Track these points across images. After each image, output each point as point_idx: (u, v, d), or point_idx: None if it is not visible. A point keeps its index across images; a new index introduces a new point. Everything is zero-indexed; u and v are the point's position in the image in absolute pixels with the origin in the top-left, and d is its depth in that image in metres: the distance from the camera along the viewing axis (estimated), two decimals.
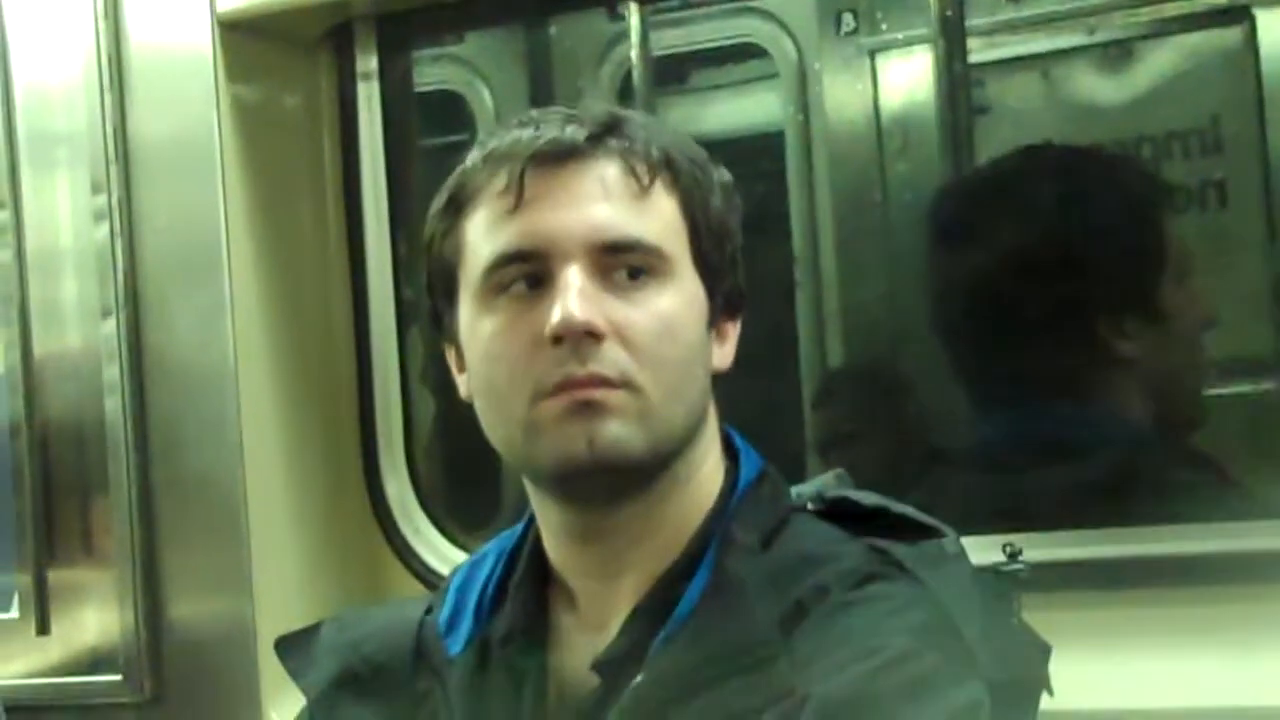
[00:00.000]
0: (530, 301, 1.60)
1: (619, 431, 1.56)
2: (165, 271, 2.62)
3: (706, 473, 1.68)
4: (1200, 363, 2.32)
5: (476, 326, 1.64)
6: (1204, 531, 2.14)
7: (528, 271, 1.61)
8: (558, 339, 1.56)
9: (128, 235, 2.63)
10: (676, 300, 1.61)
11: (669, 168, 1.64)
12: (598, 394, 1.56)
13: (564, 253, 1.59)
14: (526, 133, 1.63)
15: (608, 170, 1.61)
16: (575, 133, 1.62)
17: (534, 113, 1.68)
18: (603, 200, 1.60)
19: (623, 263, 1.60)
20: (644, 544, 1.65)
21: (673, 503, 1.65)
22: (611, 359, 1.57)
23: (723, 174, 1.71)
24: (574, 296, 1.56)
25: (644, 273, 1.60)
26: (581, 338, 1.56)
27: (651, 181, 1.62)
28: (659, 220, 1.62)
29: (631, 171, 1.61)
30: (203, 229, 2.60)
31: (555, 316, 1.56)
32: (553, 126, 1.63)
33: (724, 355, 1.70)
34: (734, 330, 1.72)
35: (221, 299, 2.58)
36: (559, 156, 1.61)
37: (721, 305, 1.68)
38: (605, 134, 1.62)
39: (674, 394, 1.60)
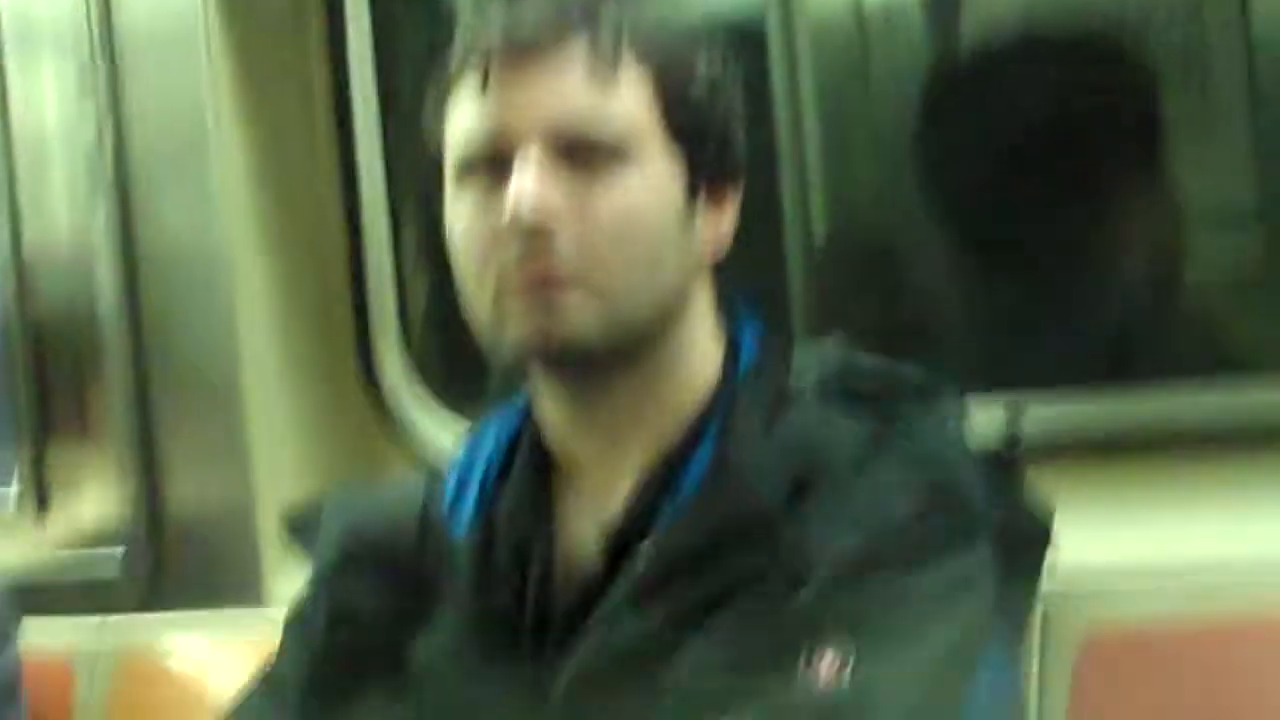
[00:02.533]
0: (491, 194, 1.60)
1: (575, 325, 1.58)
2: (154, 160, 2.63)
3: (699, 349, 1.69)
4: (1191, 220, 2.33)
5: (451, 215, 1.66)
6: (1205, 389, 2.15)
7: (488, 164, 1.61)
8: (513, 231, 1.57)
9: (115, 127, 2.62)
10: (641, 187, 1.61)
11: (640, 45, 1.62)
12: (553, 290, 1.58)
13: (521, 145, 1.59)
14: (498, 20, 1.63)
15: (571, 58, 1.60)
16: (542, 20, 1.61)
17: None
18: (561, 90, 1.60)
19: (581, 152, 1.59)
20: (641, 416, 1.66)
21: (664, 378, 1.66)
22: (566, 253, 1.57)
23: (711, 44, 1.69)
24: (525, 191, 1.56)
25: (604, 161, 1.60)
26: (534, 232, 1.57)
27: (616, 65, 1.61)
28: (623, 104, 1.61)
29: (595, 56, 1.60)
30: (190, 118, 2.61)
31: (506, 214, 1.57)
32: (525, 12, 1.62)
33: (720, 224, 1.69)
34: (734, 196, 1.71)
35: (210, 185, 2.60)
36: (524, 45, 1.60)
37: (708, 175, 1.67)
38: (573, 20, 1.61)
39: (637, 283, 1.60)
